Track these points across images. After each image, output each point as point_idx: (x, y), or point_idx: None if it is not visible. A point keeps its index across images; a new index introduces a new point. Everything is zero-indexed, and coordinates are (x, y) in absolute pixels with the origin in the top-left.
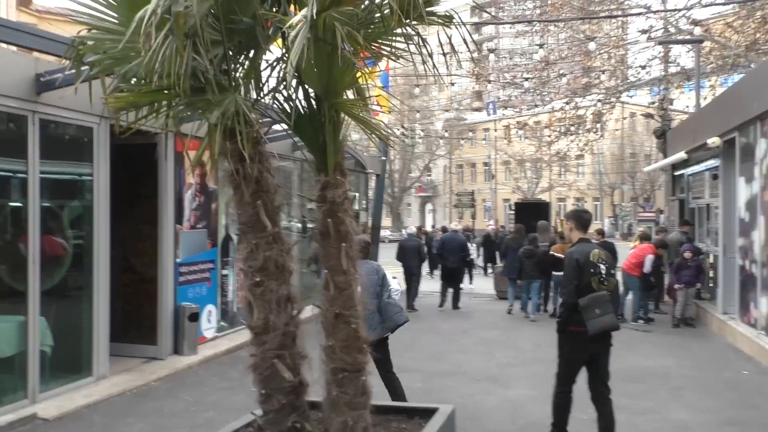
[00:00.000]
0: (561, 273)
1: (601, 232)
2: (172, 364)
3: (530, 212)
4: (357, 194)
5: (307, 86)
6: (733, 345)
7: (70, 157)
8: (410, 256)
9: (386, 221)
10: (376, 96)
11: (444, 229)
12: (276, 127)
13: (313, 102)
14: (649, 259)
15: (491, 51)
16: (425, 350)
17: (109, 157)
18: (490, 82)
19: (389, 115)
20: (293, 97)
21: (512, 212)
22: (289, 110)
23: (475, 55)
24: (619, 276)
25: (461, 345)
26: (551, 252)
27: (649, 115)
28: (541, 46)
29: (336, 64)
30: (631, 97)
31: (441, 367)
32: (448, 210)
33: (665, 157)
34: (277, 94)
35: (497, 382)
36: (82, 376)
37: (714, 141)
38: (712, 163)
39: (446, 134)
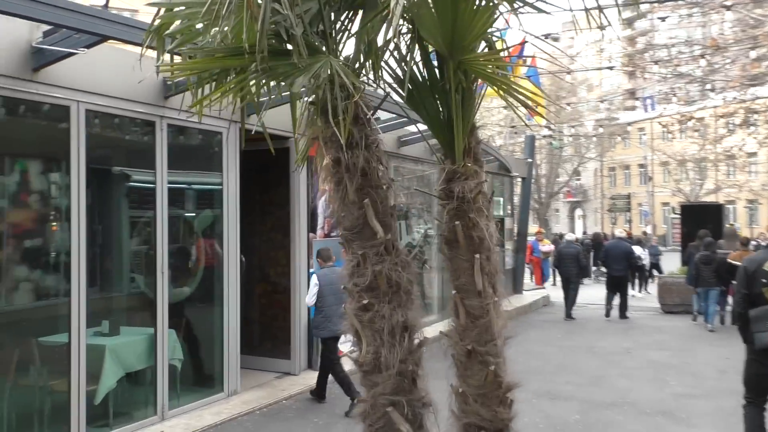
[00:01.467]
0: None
1: (745, 242)
2: (306, 380)
3: (698, 216)
4: (502, 199)
5: (425, 41)
6: None
7: (198, 165)
8: (568, 263)
9: (533, 228)
10: (529, 95)
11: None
12: (412, 128)
13: (434, 63)
14: None
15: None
16: (582, 373)
17: (238, 164)
18: (644, 72)
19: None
20: (406, 57)
21: (676, 216)
22: (402, 76)
23: (629, 49)
24: None
25: (624, 368)
26: (728, 259)
27: None
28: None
29: (463, 3)
30: None
31: (602, 395)
32: (599, 215)
33: None
34: (386, 56)
35: (674, 418)
36: (214, 392)
37: None
38: None
39: (600, 129)
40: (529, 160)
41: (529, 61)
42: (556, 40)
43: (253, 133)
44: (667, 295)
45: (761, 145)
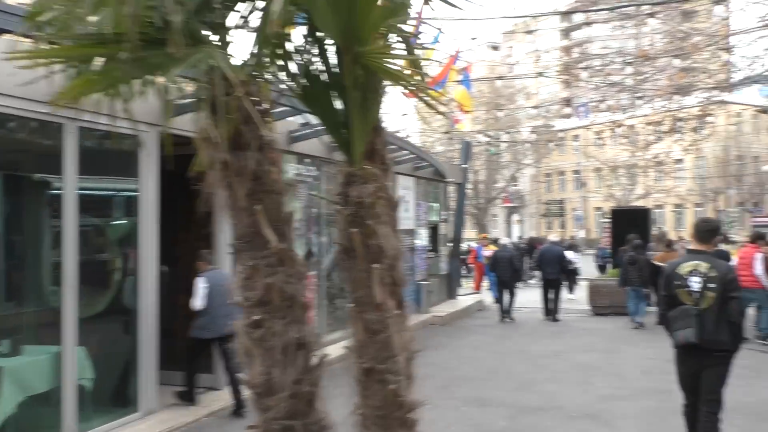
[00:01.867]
0: None
1: (669, 244)
2: (228, 395)
3: (628, 220)
4: (436, 204)
5: (318, 31)
6: None
7: (113, 170)
8: (503, 266)
9: (470, 233)
10: (458, 100)
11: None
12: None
13: (330, 57)
14: (759, 258)
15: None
16: (511, 378)
17: (157, 169)
18: (578, 80)
19: (472, 124)
20: (301, 49)
21: (607, 220)
22: (297, 71)
23: (565, 58)
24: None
25: (554, 371)
26: (653, 261)
27: (765, 111)
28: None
29: None
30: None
31: (530, 400)
32: (535, 220)
33: None
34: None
35: (599, 420)
36: (128, 412)
37: None
38: None
39: (534, 136)
40: (465, 165)
41: (459, 65)
42: (495, 48)
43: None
44: (597, 297)
45: (686, 151)
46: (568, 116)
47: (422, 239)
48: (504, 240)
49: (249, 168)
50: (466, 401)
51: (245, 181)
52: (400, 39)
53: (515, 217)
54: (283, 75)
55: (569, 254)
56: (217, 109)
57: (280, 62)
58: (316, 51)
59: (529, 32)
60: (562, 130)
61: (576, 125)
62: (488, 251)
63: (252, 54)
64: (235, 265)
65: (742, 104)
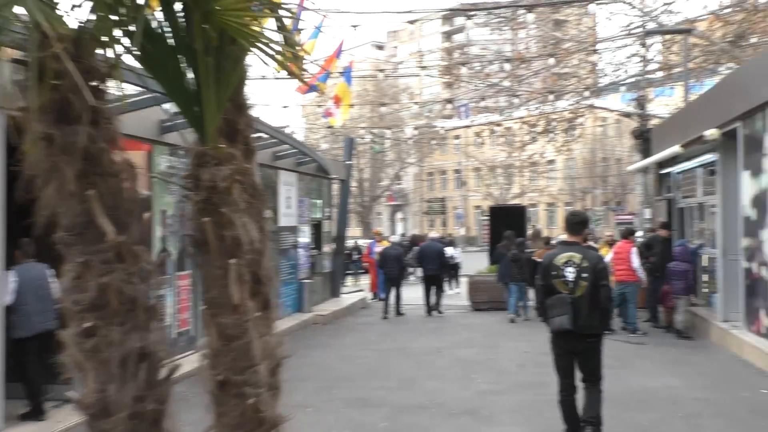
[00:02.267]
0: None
1: (547, 241)
2: None
3: (504, 217)
4: (320, 201)
5: None
6: (740, 357)
7: None
8: (392, 264)
9: (356, 230)
10: (338, 93)
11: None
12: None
13: (177, 14)
14: (635, 251)
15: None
16: (393, 376)
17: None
18: (458, 81)
19: (355, 122)
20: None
21: (485, 218)
22: (134, 29)
23: (446, 62)
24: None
25: (435, 368)
26: (533, 257)
27: (626, 114)
28: (507, 60)
29: None
30: (604, 100)
31: (412, 398)
32: (418, 218)
33: (644, 158)
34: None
35: (478, 416)
36: None
37: (712, 133)
38: (707, 158)
39: (416, 132)
40: (349, 162)
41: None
42: (380, 48)
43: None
44: (476, 293)
45: (558, 152)
46: (449, 116)
47: (305, 236)
48: (393, 238)
49: (79, 145)
50: (348, 402)
51: (75, 161)
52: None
53: (399, 215)
54: (121, 35)
55: (450, 250)
56: (33, 70)
57: (115, 17)
58: (158, 4)
59: (412, 22)
60: (442, 129)
61: (457, 125)
62: (381, 247)
63: (77, 4)
64: (64, 262)
65: (607, 109)
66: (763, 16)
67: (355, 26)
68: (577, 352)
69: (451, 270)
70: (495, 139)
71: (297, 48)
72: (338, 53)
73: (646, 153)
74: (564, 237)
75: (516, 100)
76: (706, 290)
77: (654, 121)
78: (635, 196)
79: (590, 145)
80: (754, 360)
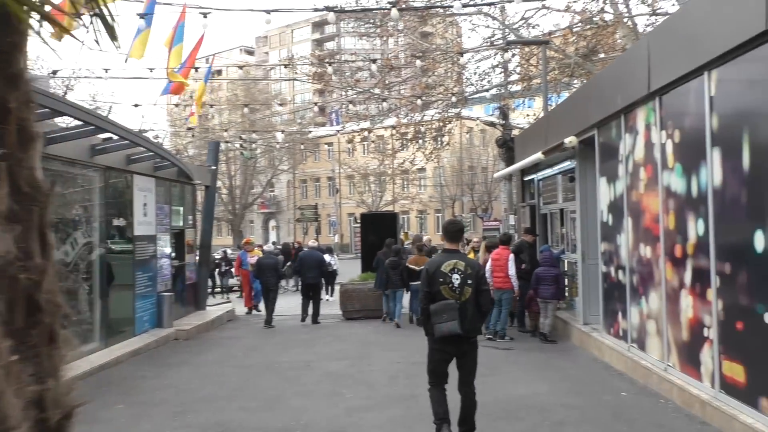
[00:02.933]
0: (417, 283)
1: (420, 248)
2: None
3: (377, 224)
4: (182, 208)
5: None
6: (601, 359)
7: None
8: (268, 273)
9: (227, 239)
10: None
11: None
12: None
13: None
14: (511, 258)
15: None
16: (257, 395)
17: None
18: (328, 85)
19: (225, 127)
20: None
21: (357, 225)
22: None
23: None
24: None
25: (303, 384)
26: (407, 264)
27: (491, 124)
28: (374, 61)
29: None
30: (470, 111)
31: (275, 420)
32: (292, 226)
33: (508, 166)
34: None
35: None
36: None
37: (571, 140)
38: (566, 165)
39: (287, 138)
40: (213, 167)
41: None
42: (250, 53)
43: None
44: (348, 301)
45: (428, 159)
46: (322, 124)
47: (165, 246)
48: (268, 247)
49: None
50: (204, 428)
51: None
52: None
53: (272, 222)
54: None
55: (327, 258)
56: None
57: None
58: None
59: (268, 22)
60: (316, 138)
61: (329, 132)
62: (253, 257)
63: None
64: None
65: (472, 119)
66: (612, 31)
67: (204, 14)
68: (461, 355)
69: (329, 277)
70: (367, 147)
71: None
72: (199, 48)
73: (509, 161)
74: (445, 245)
75: (385, 105)
76: (567, 294)
77: (516, 131)
78: (500, 203)
79: (458, 154)
80: (613, 362)
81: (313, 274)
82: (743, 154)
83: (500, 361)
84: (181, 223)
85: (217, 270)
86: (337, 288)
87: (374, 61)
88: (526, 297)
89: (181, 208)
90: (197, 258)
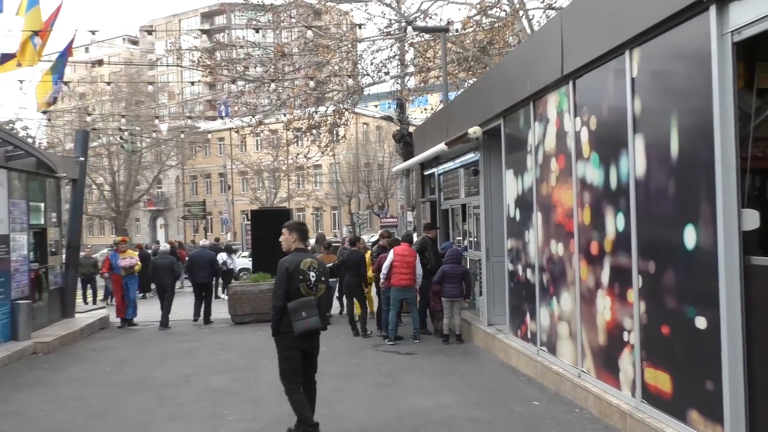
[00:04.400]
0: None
1: (328, 246)
2: None
3: (269, 221)
4: (41, 204)
5: None
6: (508, 363)
7: None
8: (163, 273)
9: (110, 238)
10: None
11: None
12: None
13: None
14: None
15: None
16: (121, 422)
17: None
18: (218, 78)
19: (106, 121)
20: None
21: (249, 222)
22: None
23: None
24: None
25: (179, 404)
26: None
27: (388, 118)
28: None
29: None
30: (365, 107)
31: None
32: (181, 224)
33: (405, 161)
34: None
35: None
36: None
37: (474, 131)
38: (469, 157)
39: (172, 130)
40: (81, 158)
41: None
42: (134, 43)
43: None
44: (237, 304)
45: (323, 153)
46: (213, 118)
47: (22, 248)
48: (164, 246)
49: None
50: None
51: None
52: None
53: (160, 221)
54: None
55: (223, 256)
56: None
57: None
58: None
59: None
60: (207, 132)
61: (220, 128)
62: (126, 259)
63: None
64: None
65: (369, 115)
66: (508, 23)
67: None
68: (311, 351)
69: (225, 276)
70: (260, 142)
71: None
72: (53, 21)
73: (407, 156)
74: (373, 238)
75: (278, 93)
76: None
77: (413, 127)
78: (397, 200)
79: (354, 151)
80: (521, 366)
81: (204, 273)
82: (671, 140)
83: (403, 368)
84: (42, 221)
85: (95, 271)
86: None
87: (263, 47)
88: (428, 296)
89: (42, 204)
90: (65, 260)
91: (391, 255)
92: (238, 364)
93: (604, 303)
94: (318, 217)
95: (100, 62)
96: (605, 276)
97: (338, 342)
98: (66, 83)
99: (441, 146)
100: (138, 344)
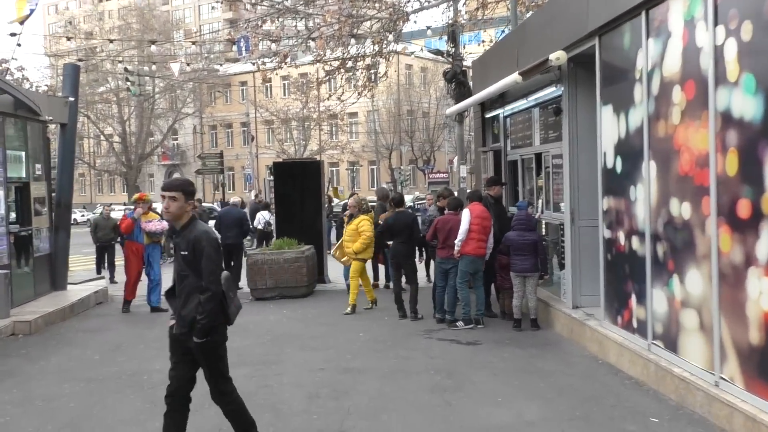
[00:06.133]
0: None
1: (399, 202)
2: None
3: (296, 175)
4: (23, 153)
5: None
6: (604, 360)
7: None
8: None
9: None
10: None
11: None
12: None
13: None
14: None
15: None
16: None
17: None
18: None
19: (113, 60)
20: None
21: (271, 178)
22: None
23: None
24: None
25: None
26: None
27: (438, 52)
28: None
29: None
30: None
31: None
32: (200, 180)
33: (456, 103)
34: None
35: None
36: None
37: (558, 56)
38: (548, 93)
39: (187, 69)
40: (71, 98)
41: None
42: None
43: None
44: (258, 276)
45: (360, 94)
46: (235, 60)
47: None
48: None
49: None
50: None
51: None
52: None
53: (176, 176)
54: None
55: (265, 214)
56: None
57: None
58: None
59: None
60: (226, 75)
61: (243, 70)
62: (154, 222)
63: None
64: None
65: (411, 54)
66: None
67: None
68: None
69: (269, 239)
70: (287, 87)
71: None
72: None
73: (460, 98)
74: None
75: (303, 25)
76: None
77: (469, 62)
78: (444, 154)
79: (395, 96)
80: (623, 365)
81: (231, 233)
82: None
83: (465, 365)
84: (23, 174)
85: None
86: None
87: None
88: (492, 270)
89: (23, 153)
90: (53, 221)
91: (467, 216)
92: (255, 355)
93: (759, 286)
94: (353, 173)
95: None
96: (763, 248)
97: (380, 326)
98: None
99: (513, 77)
100: (136, 325)
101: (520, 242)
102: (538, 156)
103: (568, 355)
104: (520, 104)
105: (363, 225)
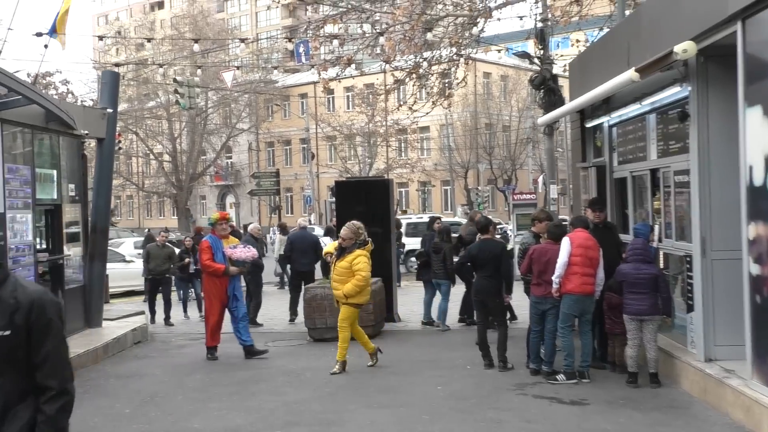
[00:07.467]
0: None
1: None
2: None
3: (360, 195)
4: (55, 172)
5: None
6: (754, 431)
7: None
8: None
9: (170, 220)
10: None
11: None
12: None
13: None
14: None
15: None
16: None
17: None
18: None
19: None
20: None
21: (333, 199)
22: None
23: None
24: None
25: None
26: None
27: (524, 55)
28: None
29: None
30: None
31: None
32: (255, 203)
33: (547, 113)
34: None
35: None
36: None
37: (686, 48)
38: (669, 94)
39: (241, 92)
40: (109, 110)
41: None
42: None
43: None
44: (317, 314)
45: (434, 103)
46: (294, 71)
47: (25, 231)
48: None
49: None
50: None
51: None
52: None
53: (230, 198)
54: None
55: (327, 241)
56: None
57: None
58: None
59: None
60: (284, 87)
61: (302, 81)
62: (240, 247)
63: None
64: None
65: (490, 63)
66: None
67: None
68: None
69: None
70: (351, 98)
71: None
72: None
73: (550, 107)
74: None
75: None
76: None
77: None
78: (527, 172)
79: (471, 107)
80: None
81: (307, 260)
82: None
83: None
84: (54, 195)
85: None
86: None
87: None
88: (600, 311)
89: (55, 172)
90: (88, 249)
91: (566, 245)
92: (312, 412)
93: None
94: (425, 194)
95: (160, 4)
96: None
97: (462, 377)
98: None
99: (627, 75)
100: (176, 370)
101: (636, 277)
102: (654, 172)
103: (703, 422)
104: (632, 110)
105: (359, 262)
